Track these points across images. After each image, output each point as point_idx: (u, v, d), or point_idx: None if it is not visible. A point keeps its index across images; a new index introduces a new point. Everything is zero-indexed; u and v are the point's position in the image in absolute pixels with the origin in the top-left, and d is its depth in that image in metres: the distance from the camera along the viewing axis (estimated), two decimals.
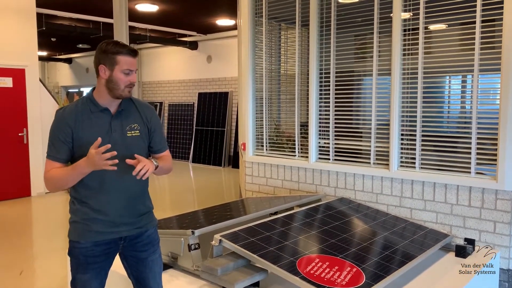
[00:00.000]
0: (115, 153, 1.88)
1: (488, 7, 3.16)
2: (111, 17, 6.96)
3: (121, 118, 2.09)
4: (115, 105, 2.10)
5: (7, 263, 4.40)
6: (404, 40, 3.56)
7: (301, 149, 4.27)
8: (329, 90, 4.02)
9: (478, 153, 3.27)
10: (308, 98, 4.14)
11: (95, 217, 2.05)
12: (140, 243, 2.16)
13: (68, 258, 2.14)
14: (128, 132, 2.09)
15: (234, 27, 9.80)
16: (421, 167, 3.53)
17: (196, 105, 11.33)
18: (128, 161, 1.97)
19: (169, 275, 2.77)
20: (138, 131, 2.12)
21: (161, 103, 12.28)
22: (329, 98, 4.03)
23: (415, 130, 3.54)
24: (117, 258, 2.24)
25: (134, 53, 2.04)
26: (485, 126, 3.24)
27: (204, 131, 10.97)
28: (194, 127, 11.23)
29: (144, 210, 2.18)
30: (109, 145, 1.88)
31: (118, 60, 2.00)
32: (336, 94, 4.00)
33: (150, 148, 2.21)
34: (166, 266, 2.87)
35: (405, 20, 3.55)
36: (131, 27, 9.56)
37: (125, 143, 2.07)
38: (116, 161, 1.87)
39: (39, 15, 7.73)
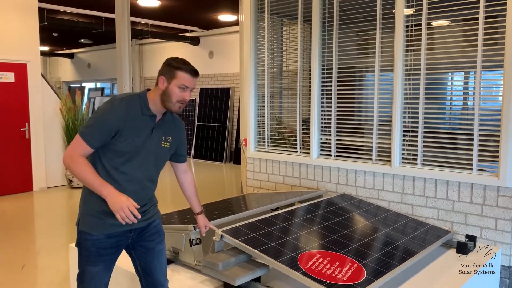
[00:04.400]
0: (137, 213, 2.00)
1: (491, 3, 3.14)
2: (113, 12, 6.95)
3: (161, 128, 2.19)
4: (160, 115, 2.18)
5: (9, 258, 4.41)
6: (407, 36, 3.55)
7: (303, 145, 4.27)
8: (331, 86, 4.02)
9: (480, 150, 3.27)
10: (310, 94, 4.14)
11: (109, 210, 2.06)
12: (148, 232, 2.23)
13: (71, 253, 2.16)
14: (162, 143, 2.20)
15: (236, 23, 9.78)
16: (423, 164, 3.53)
17: (197, 100, 11.32)
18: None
19: (171, 270, 2.78)
20: (169, 144, 2.23)
21: None
22: (331, 94, 4.02)
23: (417, 127, 3.54)
24: (123, 254, 2.25)
25: (194, 72, 2.11)
26: (487, 122, 3.23)
27: (206, 126, 10.97)
28: (196, 123, 11.23)
29: (152, 203, 2.27)
30: (138, 206, 2.02)
31: (177, 75, 2.08)
32: (338, 90, 3.99)
33: (173, 157, 2.37)
34: (168, 261, 2.88)
35: (407, 16, 3.53)
36: (133, 22, 9.55)
37: (156, 151, 2.17)
38: (135, 221, 2.01)
39: (41, 10, 7.72)
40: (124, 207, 1.96)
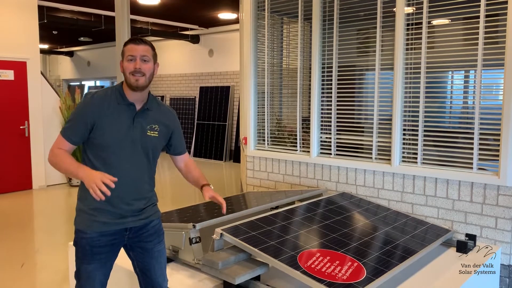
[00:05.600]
0: (112, 184, 1.89)
1: (492, 1, 3.14)
2: (113, 10, 6.93)
3: (144, 116, 2.13)
4: (141, 102, 2.14)
5: (8, 256, 4.41)
6: (407, 34, 3.54)
7: (303, 143, 4.26)
8: (331, 84, 4.01)
9: (480, 149, 3.26)
10: (310, 93, 4.13)
11: (102, 208, 2.07)
12: (146, 233, 2.19)
13: (70, 251, 2.15)
14: (148, 131, 2.13)
15: (236, 21, 9.76)
16: (423, 162, 3.52)
17: (197, 99, 11.31)
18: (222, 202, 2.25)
19: (170, 269, 2.78)
20: (157, 133, 2.17)
21: (162, 97, 12.26)
22: (331, 93, 4.01)
23: (417, 125, 3.53)
24: (122, 252, 2.24)
25: (136, 40, 2.07)
26: (488, 121, 3.23)
27: (206, 125, 10.96)
28: (196, 121, 11.22)
29: (150, 202, 2.22)
30: (115, 179, 1.90)
31: (124, 50, 2.09)
32: (338, 88, 3.99)
33: (169, 150, 2.31)
34: (167, 260, 2.88)
35: (408, 14, 3.53)
36: (132, 20, 9.53)
37: (143, 141, 2.12)
38: (103, 197, 1.88)
39: (40, 8, 7.70)
40: (96, 178, 1.87)
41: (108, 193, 1.88)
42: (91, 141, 2.06)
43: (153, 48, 2.12)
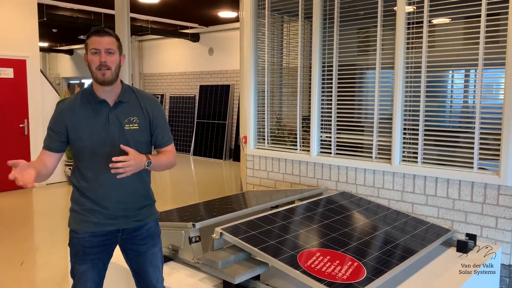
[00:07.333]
0: (13, 163, 1.78)
1: (493, 0, 3.12)
2: (113, 8, 6.92)
3: (119, 110, 2.05)
4: (113, 97, 2.06)
5: (8, 254, 4.40)
6: (408, 33, 3.53)
7: (303, 142, 4.25)
8: (331, 83, 4.00)
9: (481, 148, 3.25)
10: (310, 92, 4.12)
11: (93, 208, 2.05)
12: (139, 236, 2.15)
13: (69, 249, 2.15)
14: (126, 125, 2.05)
15: (236, 19, 9.74)
16: (423, 162, 3.52)
17: (197, 97, 11.30)
18: (115, 158, 1.85)
19: (170, 268, 2.77)
20: (137, 125, 2.07)
21: (162, 96, 12.25)
22: (331, 92, 4.00)
23: (417, 125, 3.52)
24: (119, 251, 2.23)
25: (100, 32, 1.98)
26: (489, 121, 3.22)
27: (205, 124, 10.95)
28: (195, 120, 11.20)
29: (145, 203, 2.16)
30: (21, 161, 1.81)
31: (88, 43, 2.00)
32: (338, 87, 3.98)
33: (153, 141, 2.17)
34: (167, 259, 2.87)
35: (409, 13, 3.51)
36: (132, 19, 9.51)
37: (123, 136, 2.03)
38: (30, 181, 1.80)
39: (40, 6, 7.69)
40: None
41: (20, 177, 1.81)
42: (72, 145, 2.04)
43: (118, 39, 2.03)
